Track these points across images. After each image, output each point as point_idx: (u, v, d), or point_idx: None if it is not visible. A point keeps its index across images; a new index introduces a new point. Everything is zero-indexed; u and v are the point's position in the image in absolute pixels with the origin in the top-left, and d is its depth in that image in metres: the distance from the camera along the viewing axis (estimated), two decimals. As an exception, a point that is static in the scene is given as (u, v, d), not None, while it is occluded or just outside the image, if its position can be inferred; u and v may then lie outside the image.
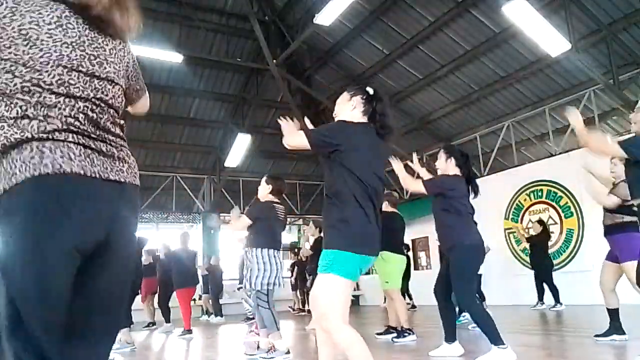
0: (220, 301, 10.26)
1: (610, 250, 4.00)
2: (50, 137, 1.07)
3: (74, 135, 1.11)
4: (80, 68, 1.14)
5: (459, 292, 3.50)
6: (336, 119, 2.35)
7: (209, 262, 10.78)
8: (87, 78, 1.16)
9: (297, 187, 14.30)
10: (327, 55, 11.55)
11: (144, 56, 9.40)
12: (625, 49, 8.39)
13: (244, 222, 4.14)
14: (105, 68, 1.20)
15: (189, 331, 6.75)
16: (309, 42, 11.06)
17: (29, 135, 1.05)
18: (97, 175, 1.13)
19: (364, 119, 2.29)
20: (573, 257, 8.58)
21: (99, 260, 1.14)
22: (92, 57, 1.17)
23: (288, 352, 4.05)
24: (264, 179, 4.40)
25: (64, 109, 1.10)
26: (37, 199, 1.05)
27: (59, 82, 1.10)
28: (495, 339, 3.27)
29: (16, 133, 1.05)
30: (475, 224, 3.63)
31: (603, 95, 8.95)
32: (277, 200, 4.34)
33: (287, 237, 13.43)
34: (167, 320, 7.82)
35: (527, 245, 8.36)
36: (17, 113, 1.06)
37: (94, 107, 1.17)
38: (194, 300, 10.24)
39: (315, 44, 11.43)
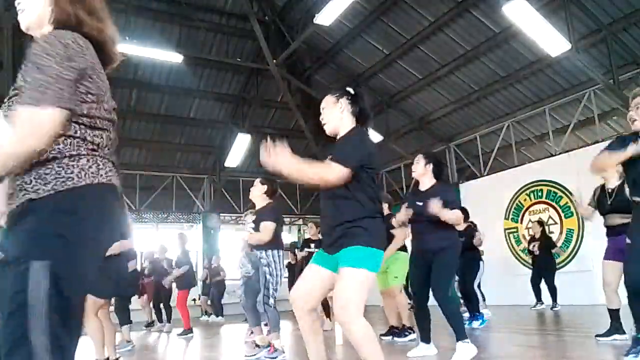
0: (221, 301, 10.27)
1: (610, 250, 3.98)
2: (98, 153, 1.27)
3: (108, 155, 1.32)
4: (109, 101, 1.34)
5: (445, 287, 3.60)
6: (327, 125, 2.40)
7: (210, 263, 10.78)
8: (110, 107, 1.35)
9: (297, 187, 14.28)
10: (327, 55, 11.54)
11: (144, 56, 9.40)
12: (625, 49, 8.39)
13: (270, 229, 4.04)
14: (112, 100, 1.39)
15: (190, 330, 6.76)
16: (309, 42, 11.06)
17: (83, 152, 1.23)
18: (120, 190, 1.35)
19: (353, 120, 2.39)
20: (573, 257, 8.58)
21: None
22: (107, 90, 1.36)
23: (283, 352, 4.14)
24: (259, 179, 4.37)
25: (104, 132, 1.30)
26: (96, 203, 1.23)
27: (106, 110, 1.31)
28: (463, 334, 3.51)
29: (73, 149, 1.22)
30: None
31: (603, 95, 8.94)
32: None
33: (287, 237, 13.43)
34: (168, 320, 7.83)
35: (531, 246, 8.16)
36: (75, 132, 1.22)
37: (110, 132, 1.35)
38: (194, 300, 10.28)
39: (315, 44, 11.43)
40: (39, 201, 1.16)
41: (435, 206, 3.46)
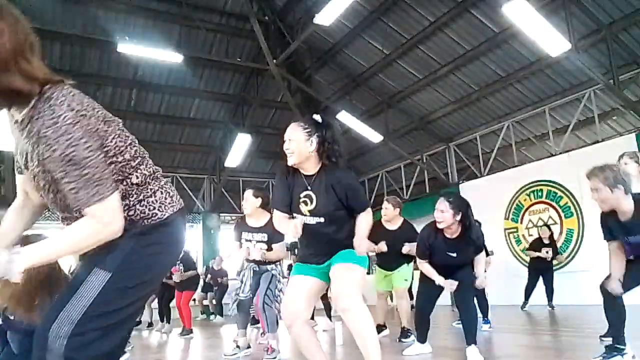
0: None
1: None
2: (160, 180, 1.40)
3: (159, 171, 1.44)
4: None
5: (470, 291, 3.70)
6: (293, 158, 2.37)
7: (213, 264, 10.80)
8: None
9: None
10: (327, 55, 11.54)
11: (144, 56, 9.40)
12: (625, 49, 8.38)
13: (284, 250, 4.28)
14: None
15: (190, 330, 6.76)
16: (309, 42, 11.05)
17: (154, 187, 1.36)
18: None
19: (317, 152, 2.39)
20: (573, 257, 8.58)
21: None
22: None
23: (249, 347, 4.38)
24: (251, 192, 4.23)
25: (146, 154, 1.42)
26: (178, 229, 1.37)
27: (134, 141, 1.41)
28: (474, 338, 3.52)
29: (147, 191, 1.33)
30: None
31: (603, 95, 8.93)
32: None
33: (287, 237, 13.44)
34: (168, 321, 7.83)
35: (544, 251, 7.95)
36: (138, 179, 1.33)
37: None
38: (194, 300, 10.28)
39: (315, 44, 11.43)
40: (130, 231, 1.27)
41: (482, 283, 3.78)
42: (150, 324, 8.77)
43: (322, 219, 2.37)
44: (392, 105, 11.83)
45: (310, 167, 2.40)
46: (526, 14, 7.13)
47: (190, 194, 13.14)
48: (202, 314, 10.88)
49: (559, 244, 8.70)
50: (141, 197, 1.31)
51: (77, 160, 1.13)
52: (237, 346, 4.40)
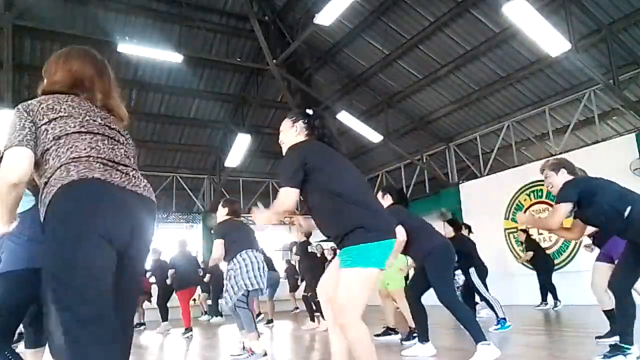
0: (220, 301, 10.28)
1: (602, 252, 4.05)
2: (74, 161, 1.43)
3: (94, 158, 1.46)
4: (94, 119, 1.58)
5: (443, 293, 3.60)
6: (283, 147, 2.42)
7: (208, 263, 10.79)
8: (99, 125, 1.57)
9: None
10: (327, 55, 11.54)
11: (144, 56, 9.40)
12: (625, 49, 8.38)
13: (219, 248, 4.29)
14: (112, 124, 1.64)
15: (189, 329, 6.77)
16: (309, 42, 11.06)
17: (59, 165, 1.43)
18: (116, 183, 1.44)
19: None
20: (573, 257, 8.57)
21: (122, 260, 1.42)
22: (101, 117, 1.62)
23: (265, 355, 4.09)
24: (221, 203, 4.71)
25: (83, 141, 1.48)
26: (70, 197, 1.37)
27: (80, 125, 1.51)
28: (479, 335, 3.37)
29: (54, 169, 1.43)
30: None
31: (603, 95, 8.94)
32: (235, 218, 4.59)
33: (288, 237, 13.44)
34: (165, 319, 7.84)
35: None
36: (52, 157, 1.46)
37: (105, 140, 1.54)
38: (194, 300, 10.29)
39: (315, 44, 11.43)
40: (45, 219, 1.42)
41: None
42: (139, 324, 8.79)
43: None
44: (392, 105, 11.83)
45: None
46: (526, 13, 7.13)
47: (190, 194, 13.15)
48: (205, 314, 10.86)
49: (559, 244, 8.72)
50: (50, 178, 1.43)
51: (10, 125, 1.47)
52: (244, 347, 4.39)
